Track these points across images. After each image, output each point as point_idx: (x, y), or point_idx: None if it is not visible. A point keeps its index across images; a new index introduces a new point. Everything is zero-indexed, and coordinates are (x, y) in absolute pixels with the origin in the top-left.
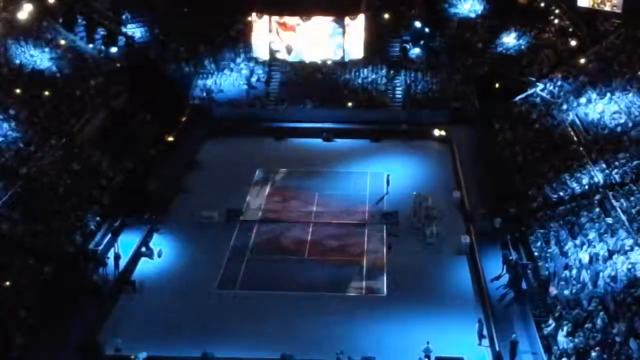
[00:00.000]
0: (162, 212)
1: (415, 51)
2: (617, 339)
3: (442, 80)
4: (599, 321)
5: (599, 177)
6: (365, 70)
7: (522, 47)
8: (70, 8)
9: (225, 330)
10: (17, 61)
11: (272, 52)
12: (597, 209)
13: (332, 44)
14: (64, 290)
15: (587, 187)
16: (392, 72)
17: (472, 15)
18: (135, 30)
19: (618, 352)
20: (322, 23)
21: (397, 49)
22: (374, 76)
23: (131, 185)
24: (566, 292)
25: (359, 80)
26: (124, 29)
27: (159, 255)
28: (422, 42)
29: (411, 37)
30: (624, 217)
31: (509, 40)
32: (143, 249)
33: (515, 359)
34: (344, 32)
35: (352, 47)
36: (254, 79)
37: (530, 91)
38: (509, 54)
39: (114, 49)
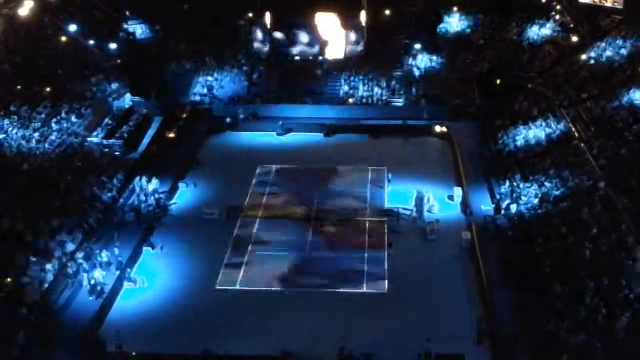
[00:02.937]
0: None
1: (417, 47)
2: (620, 334)
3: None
4: (600, 317)
5: (599, 173)
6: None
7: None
8: (70, 4)
9: (226, 327)
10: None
11: (272, 49)
12: (599, 205)
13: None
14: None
15: (588, 183)
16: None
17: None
18: (136, 27)
19: (620, 348)
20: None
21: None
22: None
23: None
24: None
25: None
26: (124, 25)
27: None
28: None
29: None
30: (625, 214)
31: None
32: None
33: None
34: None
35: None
36: (254, 76)
37: None
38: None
39: (114, 45)
